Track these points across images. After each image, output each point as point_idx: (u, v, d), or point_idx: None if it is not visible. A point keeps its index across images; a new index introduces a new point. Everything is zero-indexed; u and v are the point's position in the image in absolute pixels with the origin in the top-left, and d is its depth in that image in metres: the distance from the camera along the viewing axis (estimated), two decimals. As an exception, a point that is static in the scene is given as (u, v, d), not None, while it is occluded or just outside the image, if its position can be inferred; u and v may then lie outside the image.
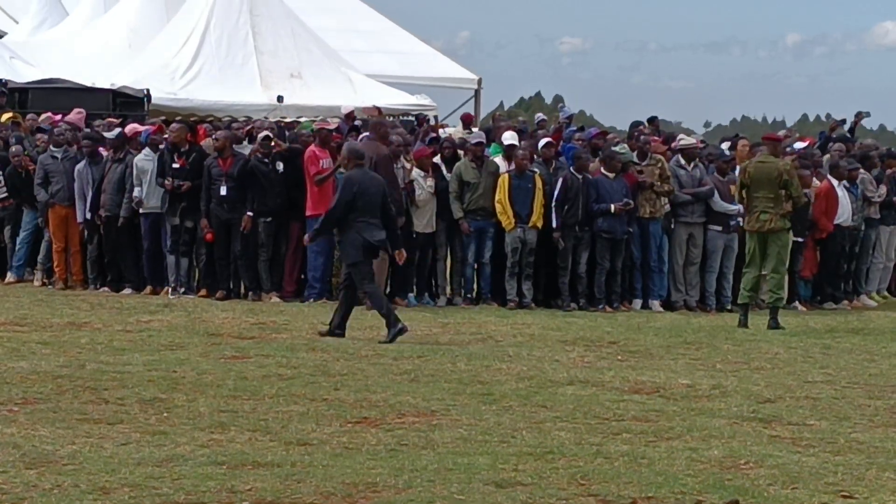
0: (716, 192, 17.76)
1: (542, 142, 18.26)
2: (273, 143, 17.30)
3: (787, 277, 17.16)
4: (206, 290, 17.26)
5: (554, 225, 17.16)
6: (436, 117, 28.68)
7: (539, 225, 17.23)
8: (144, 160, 17.51)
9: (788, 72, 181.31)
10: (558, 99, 69.95)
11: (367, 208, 13.64)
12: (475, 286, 17.75)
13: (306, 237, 14.94)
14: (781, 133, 21.02)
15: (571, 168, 17.49)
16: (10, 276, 18.72)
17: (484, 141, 18.13)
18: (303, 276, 17.38)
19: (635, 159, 17.85)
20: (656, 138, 19.62)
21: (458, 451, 8.34)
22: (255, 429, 8.91)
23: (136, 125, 19.06)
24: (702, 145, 19.74)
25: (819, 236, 18.50)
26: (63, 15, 32.13)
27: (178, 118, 20.50)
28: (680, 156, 18.19)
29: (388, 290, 16.99)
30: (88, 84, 25.51)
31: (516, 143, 17.78)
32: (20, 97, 24.52)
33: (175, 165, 17.13)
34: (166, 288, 17.43)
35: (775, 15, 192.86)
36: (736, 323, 15.85)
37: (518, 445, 8.58)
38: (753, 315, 15.97)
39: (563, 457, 8.26)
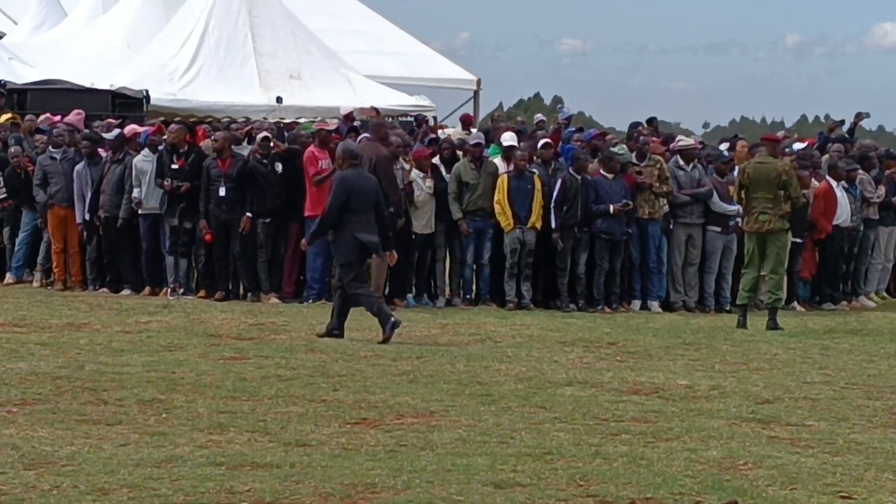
0: (714, 192, 17.77)
1: (541, 142, 18.26)
2: (272, 144, 17.30)
3: (785, 278, 17.16)
4: (205, 291, 17.26)
5: (553, 226, 17.17)
6: (435, 118, 28.68)
7: (538, 226, 17.23)
8: (143, 161, 17.51)
9: (787, 73, 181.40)
10: (557, 100, 69.94)
11: (361, 208, 13.63)
12: (474, 287, 17.75)
13: (304, 241, 14.92)
14: (780, 134, 21.01)
15: (570, 169, 17.49)
16: (8, 277, 18.73)
17: (483, 142, 18.14)
18: (302, 277, 17.38)
19: (634, 160, 17.86)
20: (655, 139, 19.63)
21: (457, 452, 8.34)
22: (253, 430, 8.91)
23: (135, 126, 19.06)
24: (700, 146, 19.75)
25: (818, 237, 18.51)
26: (62, 16, 32.13)
27: (177, 119, 20.49)
28: (679, 157, 18.20)
29: (387, 291, 17.00)
30: (87, 85, 25.50)
31: (515, 144, 17.78)
32: (19, 98, 24.51)
33: (174, 166, 17.13)
34: (165, 289, 17.43)
35: (774, 16, 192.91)
36: (735, 324, 15.86)
37: (517, 446, 8.58)
38: (752, 316, 15.98)
39: (562, 457, 8.26)
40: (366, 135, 17.95)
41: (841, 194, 18.59)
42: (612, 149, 18.14)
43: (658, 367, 12.31)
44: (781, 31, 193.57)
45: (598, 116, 76.79)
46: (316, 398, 10.11)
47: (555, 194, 17.16)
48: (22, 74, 26.69)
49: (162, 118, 21.23)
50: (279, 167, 17.15)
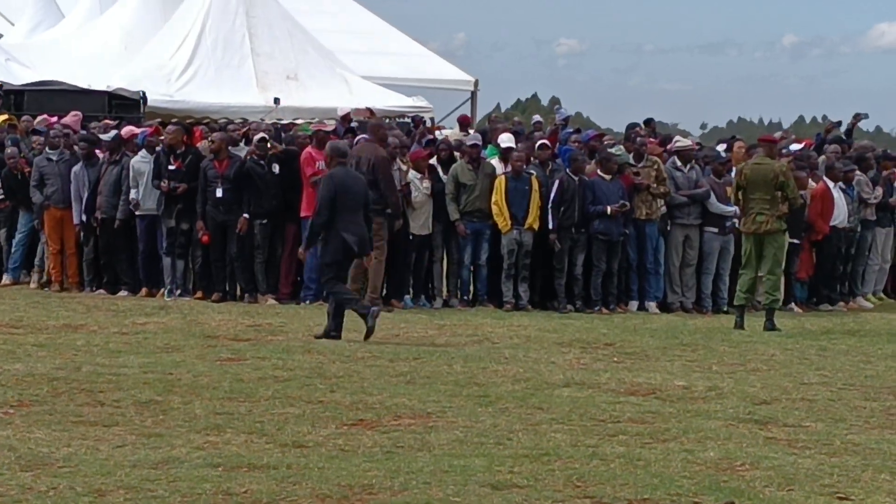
0: (712, 193, 17.77)
1: (538, 143, 18.26)
2: (269, 145, 17.29)
3: (783, 279, 17.16)
4: (202, 292, 17.25)
5: (550, 227, 17.16)
6: (432, 119, 28.74)
7: (535, 227, 17.23)
8: (141, 162, 17.50)
9: (785, 73, 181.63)
10: (555, 101, 70.06)
11: (349, 207, 13.61)
12: (471, 288, 17.75)
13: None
14: (777, 135, 21.01)
15: (568, 170, 17.49)
16: (5, 279, 18.71)
17: (480, 143, 18.12)
18: (299, 278, 17.37)
19: (631, 161, 17.86)
20: (652, 140, 19.63)
21: (455, 453, 8.34)
22: (250, 431, 8.91)
23: (132, 127, 19.05)
24: (697, 147, 19.76)
25: (815, 238, 18.51)
26: (59, 17, 32.17)
27: (174, 120, 20.49)
28: (676, 157, 18.20)
29: (384, 292, 16.99)
30: (84, 86, 25.52)
31: (513, 145, 17.78)
32: (16, 99, 24.53)
33: (171, 167, 17.12)
34: (162, 290, 17.42)
35: (772, 17, 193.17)
36: (732, 324, 15.86)
37: (514, 447, 8.58)
38: (749, 316, 15.99)
39: (560, 459, 8.26)
40: (364, 136, 17.94)
41: (838, 195, 18.59)
42: (609, 150, 18.14)
43: (655, 368, 12.31)
44: (778, 32, 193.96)
45: (595, 117, 76.92)
46: (313, 399, 10.10)
47: (552, 195, 17.16)
48: (19, 75, 26.73)
49: (159, 119, 21.25)
50: (276, 168, 17.14)
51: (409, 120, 26.61)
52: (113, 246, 17.76)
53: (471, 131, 21.94)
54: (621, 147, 18.48)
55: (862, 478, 8.00)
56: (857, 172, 19.10)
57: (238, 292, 17.32)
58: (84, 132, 19.39)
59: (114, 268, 17.86)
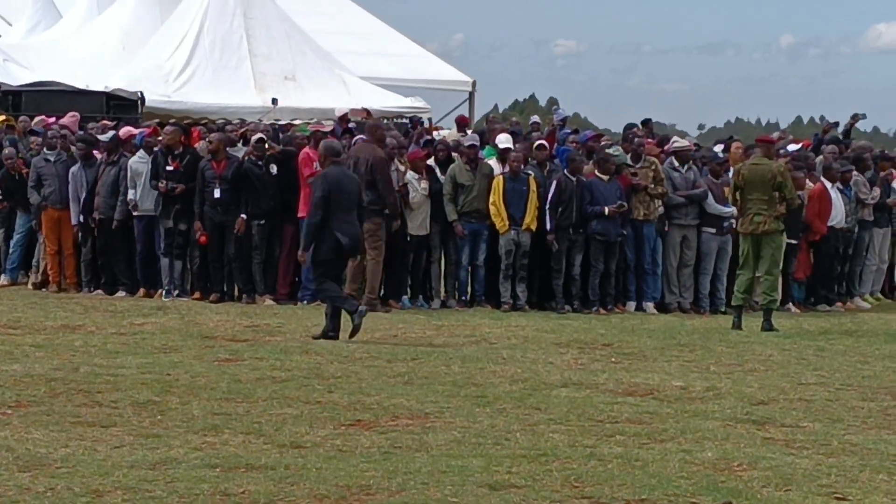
0: (709, 194, 17.77)
1: (536, 144, 18.26)
2: (266, 146, 17.29)
3: (780, 279, 17.18)
4: (200, 293, 17.25)
5: (548, 227, 17.17)
6: (430, 119, 28.72)
7: (533, 227, 17.23)
8: (139, 162, 17.49)
9: (783, 74, 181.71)
10: (553, 101, 70.06)
11: (343, 206, 13.61)
12: (469, 288, 17.75)
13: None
14: (775, 135, 21.02)
15: (565, 170, 17.49)
16: (3, 279, 18.71)
17: (478, 143, 18.12)
18: (297, 279, 17.37)
19: (629, 162, 17.86)
20: (650, 140, 19.63)
21: (452, 454, 8.34)
22: (248, 431, 8.91)
23: (130, 128, 19.04)
24: (695, 148, 19.76)
25: (812, 238, 18.51)
26: (57, 17, 32.14)
27: (171, 121, 20.49)
28: (674, 158, 18.20)
29: (382, 292, 16.99)
30: (82, 87, 25.51)
31: (511, 145, 17.77)
32: (14, 100, 24.51)
33: (169, 168, 17.12)
34: (160, 290, 17.42)
35: (770, 17, 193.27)
36: (730, 325, 15.86)
37: (512, 448, 8.58)
38: (747, 317, 15.99)
39: (557, 459, 8.26)
40: (361, 136, 17.95)
41: (835, 196, 18.60)
42: (607, 150, 18.14)
43: (653, 369, 12.32)
44: (776, 32, 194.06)
45: (593, 118, 76.93)
46: (311, 400, 10.10)
47: (550, 196, 17.16)
48: (17, 76, 26.71)
49: (157, 120, 21.24)
50: (274, 169, 17.14)
51: (406, 120, 26.60)
52: (111, 246, 17.76)
53: (468, 132, 21.93)
54: (619, 147, 18.49)
55: (859, 478, 8.00)
56: (855, 173, 19.10)
57: (236, 293, 17.32)
58: (82, 133, 19.38)
59: (112, 268, 17.86)
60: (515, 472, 7.88)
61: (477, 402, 10.19)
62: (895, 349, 14.32)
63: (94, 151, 18.09)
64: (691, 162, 18.26)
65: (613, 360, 12.91)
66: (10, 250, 18.78)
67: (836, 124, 22.01)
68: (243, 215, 16.92)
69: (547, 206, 17.16)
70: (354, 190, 13.92)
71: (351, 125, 21.47)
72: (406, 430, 9.06)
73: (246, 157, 17.26)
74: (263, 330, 14.42)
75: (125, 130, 18.61)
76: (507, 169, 17.39)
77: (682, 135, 29.92)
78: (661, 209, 17.81)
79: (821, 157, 19.58)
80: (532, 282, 17.49)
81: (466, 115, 29.39)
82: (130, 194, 17.36)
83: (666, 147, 18.91)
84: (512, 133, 19.28)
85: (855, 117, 21.80)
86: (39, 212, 18.17)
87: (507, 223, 17.15)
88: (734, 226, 17.02)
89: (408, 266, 17.36)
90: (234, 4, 27.81)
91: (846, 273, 19.32)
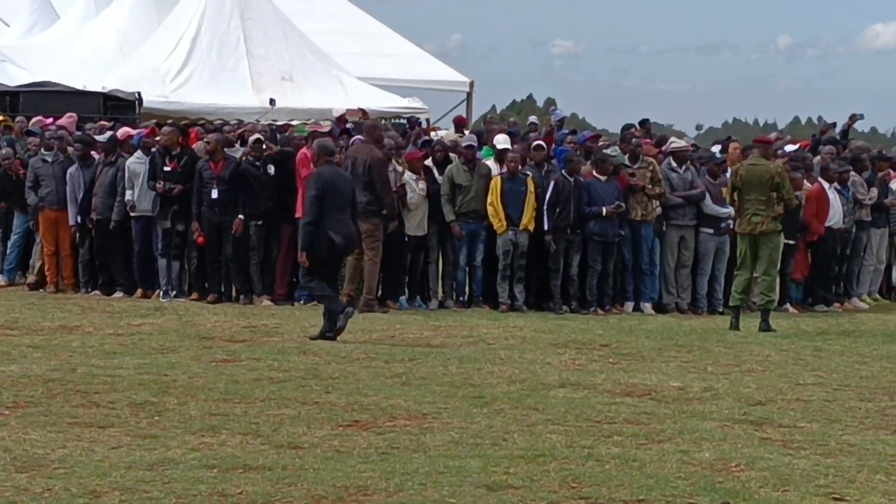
0: (707, 195, 17.77)
1: (533, 144, 18.27)
2: (264, 147, 17.29)
3: (778, 280, 17.18)
4: (198, 294, 17.25)
5: (545, 228, 17.17)
6: (427, 120, 28.72)
7: (531, 228, 17.23)
8: (136, 163, 17.49)
9: (780, 74, 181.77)
10: (550, 102, 70.11)
11: (336, 205, 13.61)
12: (467, 289, 17.74)
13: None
14: (772, 136, 21.03)
15: (563, 171, 17.49)
16: (0, 280, 18.70)
17: (475, 144, 18.12)
18: (294, 280, 17.36)
19: (627, 162, 17.86)
20: (648, 141, 19.63)
21: (450, 454, 8.34)
22: (246, 432, 8.91)
23: (128, 129, 19.05)
24: (693, 148, 19.76)
25: (810, 239, 18.52)
26: (54, 18, 32.15)
27: (169, 121, 20.49)
28: (671, 158, 18.20)
29: (379, 293, 16.98)
30: (79, 87, 25.51)
31: (509, 146, 17.77)
32: (11, 101, 24.53)
33: (166, 168, 17.12)
34: (157, 291, 17.41)
35: (767, 18, 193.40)
36: (727, 325, 15.86)
37: (509, 448, 8.58)
38: (745, 317, 15.99)
39: (555, 459, 8.26)
40: (359, 137, 17.95)
41: (833, 196, 18.60)
42: (604, 151, 18.15)
43: (650, 369, 12.32)
44: (774, 33, 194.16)
45: (591, 118, 76.93)
46: (308, 400, 10.10)
47: (547, 196, 17.16)
48: (14, 76, 26.73)
49: (154, 121, 21.23)
50: (271, 169, 17.14)
51: (404, 121, 26.60)
52: (108, 247, 17.76)
53: (466, 132, 21.94)
54: (617, 148, 18.50)
55: (857, 478, 8.00)
56: (853, 173, 19.11)
57: (233, 293, 17.32)
58: (79, 133, 19.38)
59: (109, 269, 17.85)
60: (513, 472, 7.88)
61: (474, 402, 10.19)
62: (893, 349, 14.32)
63: (92, 152, 18.08)
64: (689, 162, 18.26)
65: (611, 360, 12.91)
66: (8, 251, 18.78)
67: (834, 125, 22.02)
68: (241, 216, 16.92)
69: (545, 207, 17.16)
70: (348, 189, 13.93)
71: (348, 125, 21.49)
72: (404, 431, 9.06)
73: (243, 158, 17.26)
74: (261, 330, 14.41)
75: (123, 131, 18.61)
76: (504, 169, 17.39)
77: (680, 135, 29.96)
78: (659, 210, 17.82)
79: (818, 157, 19.58)
80: (530, 282, 17.49)
81: (464, 115, 29.40)
82: (128, 195, 17.36)
83: (664, 147, 18.91)
84: (510, 133, 19.27)
85: (853, 118, 21.80)
86: (36, 212, 18.17)
87: (504, 224, 17.15)
88: (732, 226, 17.02)
89: (405, 266, 17.36)
90: (232, 5, 27.82)
91: (844, 273, 19.32)
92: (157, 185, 17.07)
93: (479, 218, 17.31)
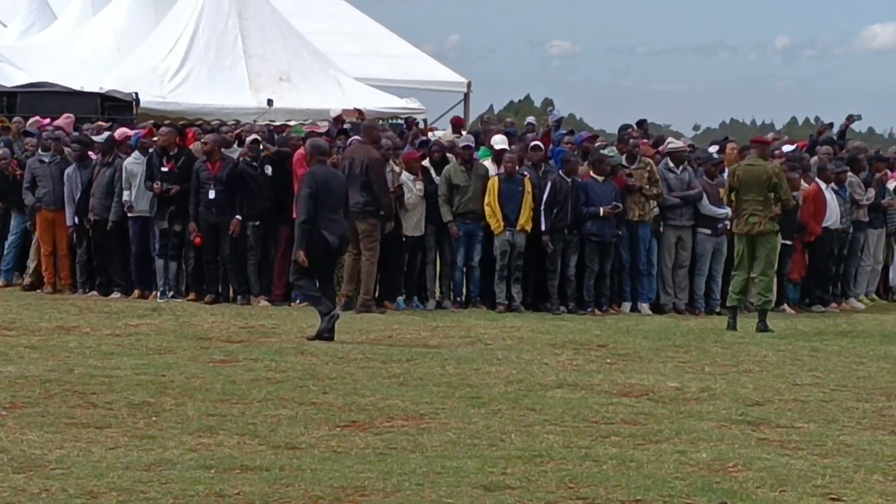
0: (704, 195, 17.77)
1: (531, 145, 18.27)
2: (261, 147, 17.29)
3: (775, 280, 17.18)
4: (195, 294, 17.24)
5: (543, 228, 17.17)
6: (425, 120, 28.70)
7: (528, 228, 17.23)
8: (134, 163, 17.48)
9: (778, 75, 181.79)
10: (548, 102, 70.08)
11: (330, 205, 13.61)
12: (464, 289, 17.75)
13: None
14: (770, 136, 21.03)
15: (560, 171, 17.49)
16: (-2, 281, 18.71)
17: (472, 144, 18.13)
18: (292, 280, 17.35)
19: (624, 162, 17.86)
20: (645, 141, 19.64)
21: (447, 455, 8.34)
22: (243, 433, 8.90)
23: (126, 129, 19.04)
24: (690, 148, 19.77)
25: (807, 239, 18.52)
26: (51, 19, 32.12)
27: (166, 122, 20.48)
28: (669, 159, 18.20)
29: (377, 293, 16.98)
30: (77, 88, 25.50)
31: (506, 146, 17.78)
32: (8, 101, 24.53)
33: (164, 169, 17.11)
34: (155, 292, 17.41)
35: (765, 18, 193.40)
36: (724, 326, 15.87)
37: (507, 449, 8.58)
38: (742, 318, 15.99)
39: (552, 460, 8.26)
40: (356, 137, 17.95)
41: (830, 196, 18.61)
42: (601, 151, 18.15)
43: (648, 370, 12.32)
44: (771, 34, 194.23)
45: (588, 118, 76.94)
46: (306, 401, 10.10)
47: (545, 197, 17.16)
48: (11, 77, 26.71)
49: (152, 121, 21.22)
50: (269, 170, 17.14)
51: (401, 121, 26.59)
52: (106, 248, 17.75)
53: (464, 133, 21.94)
54: (614, 148, 18.50)
55: (854, 479, 8.00)
56: (850, 174, 19.11)
57: (231, 294, 17.32)
58: (77, 134, 19.37)
59: (106, 270, 17.85)
60: (510, 472, 7.88)
61: (472, 403, 10.19)
62: (890, 350, 14.33)
63: (89, 153, 18.07)
64: (686, 163, 18.26)
65: (608, 360, 12.91)
66: (5, 252, 18.77)
67: (831, 125, 22.02)
68: (238, 216, 16.92)
69: (542, 207, 17.16)
70: (341, 189, 13.94)
71: (346, 126, 21.47)
72: (401, 431, 9.06)
73: (241, 159, 17.25)
74: (258, 331, 14.41)
75: (121, 132, 18.59)
76: (502, 170, 17.39)
77: (678, 136, 29.95)
78: (656, 210, 17.82)
79: (815, 157, 19.58)
80: (527, 283, 17.49)
81: (461, 116, 29.42)
82: (125, 195, 17.35)
83: (661, 148, 18.92)
84: (507, 134, 19.27)
85: (850, 118, 21.80)
86: (34, 213, 18.16)
87: (501, 224, 17.15)
88: (729, 227, 17.02)
89: (403, 267, 17.35)
90: (229, 5, 27.79)
91: (841, 274, 19.33)
92: (155, 185, 17.06)
93: (476, 218, 17.31)
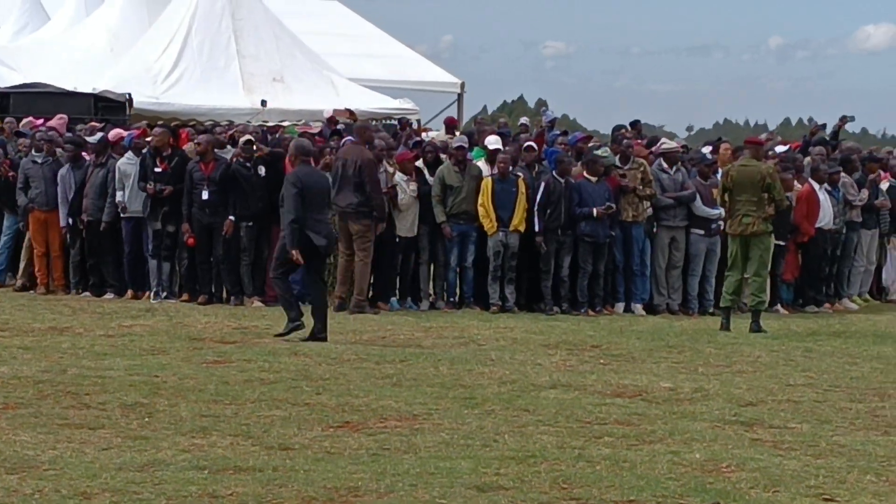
0: (697, 196, 17.78)
1: (524, 145, 18.27)
2: (255, 148, 17.28)
3: (768, 281, 17.20)
4: (188, 295, 17.22)
5: (536, 229, 17.17)
6: (418, 121, 28.69)
7: (521, 229, 17.23)
8: (127, 164, 17.46)
9: (771, 76, 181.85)
10: (542, 103, 70.06)
11: (314, 205, 13.63)
12: (458, 290, 17.74)
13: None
14: (763, 137, 21.04)
15: (554, 172, 17.50)
16: (-9, 281, 18.68)
17: (466, 145, 18.13)
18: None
19: (618, 163, 17.87)
20: (639, 142, 19.65)
21: (440, 456, 8.34)
22: (236, 433, 8.90)
23: (120, 130, 19.01)
24: (683, 149, 19.77)
25: (801, 240, 18.53)
26: (45, 19, 32.06)
27: (160, 122, 20.46)
28: (662, 160, 18.21)
29: (370, 294, 16.98)
30: (70, 88, 25.46)
31: (500, 147, 17.77)
32: (1, 102, 24.47)
33: (157, 170, 17.10)
34: (148, 292, 17.39)
35: (758, 19, 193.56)
36: (718, 326, 15.87)
37: (500, 449, 8.58)
38: (735, 318, 16.00)
39: (546, 461, 8.26)
40: (350, 137, 17.94)
41: (823, 197, 18.62)
42: (595, 152, 18.15)
43: (641, 370, 12.33)
44: (765, 34, 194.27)
45: (582, 119, 76.97)
46: (299, 402, 10.10)
47: (538, 197, 17.16)
48: (4, 78, 26.64)
49: (145, 122, 21.20)
50: (262, 170, 17.12)
51: (395, 122, 26.59)
52: (99, 248, 17.73)
53: (457, 133, 21.94)
54: (607, 149, 18.50)
55: (847, 479, 8.01)
56: (843, 174, 19.12)
57: (224, 295, 17.31)
58: (70, 134, 19.34)
59: (100, 270, 17.83)
60: (504, 473, 7.89)
61: (465, 403, 10.19)
62: (883, 350, 14.35)
63: (83, 153, 18.05)
64: (680, 163, 18.27)
65: (602, 361, 12.92)
66: (-2, 252, 18.74)
67: (824, 126, 22.04)
68: (231, 217, 16.91)
69: (535, 208, 17.16)
70: (325, 189, 14.00)
71: (339, 126, 21.46)
72: (394, 432, 9.06)
73: (234, 159, 17.24)
74: (252, 332, 14.41)
75: (115, 133, 18.57)
76: (495, 170, 17.39)
77: (671, 136, 29.95)
78: (650, 211, 17.83)
79: (809, 158, 19.60)
80: (520, 283, 17.49)
81: (455, 116, 29.39)
82: (119, 196, 17.33)
83: (654, 148, 18.93)
84: (500, 135, 19.27)
85: (843, 119, 21.83)
86: (26, 214, 18.13)
87: (495, 225, 17.15)
88: (722, 227, 17.03)
89: (396, 267, 17.36)
90: (223, 6, 27.75)
91: (834, 274, 19.34)
92: (148, 186, 17.05)
93: (469, 219, 17.31)
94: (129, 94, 24.98)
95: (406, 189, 17.19)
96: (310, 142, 15.60)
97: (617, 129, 21.54)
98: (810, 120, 49.35)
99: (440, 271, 17.64)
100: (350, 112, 23.93)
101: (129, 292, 17.53)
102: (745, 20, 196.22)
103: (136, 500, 7.15)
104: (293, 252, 13.63)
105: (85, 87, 25.61)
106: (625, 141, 18.71)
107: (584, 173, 17.55)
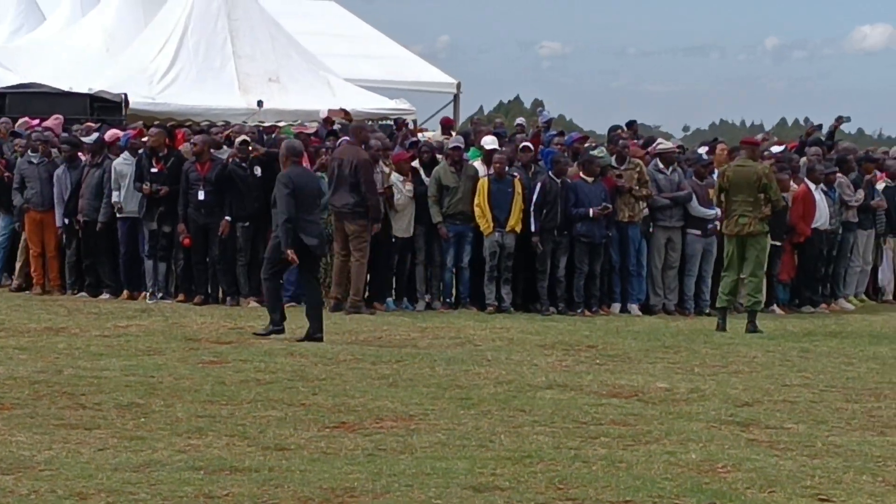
0: (693, 196, 17.78)
1: (521, 146, 18.27)
2: (250, 148, 17.28)
3: (765, 281, 17.19)
4: (184, 295, 17.22)
5: (532, 229, 17.17)
6: (415, 121, 28.68)
7: (518, 229, 17.23)
8: (123, 164, 17.46)
9: (767, 76, 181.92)
10: (538, 103, 70.03)
11: (306, 206, 13.63)
12: (454, 290, 17.74)
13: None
14: (759, 137, 21.05)
15: (550, 172, 17.50)
16: (-13, 281, 18.67)
17: (462, 145, 18.13)
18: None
19: (614, 163, 17.87)
20: (635, 142, 19.66)
21: (436, 456, 8.34)
22: (232, 434, 8.89)
23: (115, 131, 19.01)
24: (680, 150, 19.78)
25: (797, 240, 18.54)
26: (40, 19, 32.06)
27: (156, 123, 20.45)
28: (658, 160, 18.21)
29: (366, 294, 16.97)
30: (66, 89, 25.45)
31: (496, 147, 17.77)
32: (-3, 102, 24.46)
33: (153, 170, 17.10)
34: (144, 293, 17.38)
35: (754, 19, 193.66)
36: (714, 326, 15.88)
37: (496, 450, 8.58)
38: (731, 319, 16.00)
39: (542, 461, 8.26)
40: (346, 138, 17.94)
41: (819, 197, 18.63)
42: (591, 152, 18.16)
43: (637, 370, 12.32)
44: (761, 35, 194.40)
45: (578, 119, 76.98)
46: (295, 402, 10.09)
47: (534, 197, 17.16)
48: (0, 78, 26.62)
49: (141, 122, 21.19)
50: (258, 171, 17.12)
51: (391, 122, 26.59)
52: (95, 249, 17.73)
53: (453, 134, 21.93)
54: (604, 149, 18.51)
55: (843, 479, 8.01)
56: (839, 175, 19.13)
57: (220, 295, 17.30)
58: (66, 135, 19.33)
59: (96, 271, 17.82)
60: (500, 473, 7.88)
61: (461, 404, 10.19)
62: (879, 351, 14.35)
63: (79, 153, 18.04)
64: (676, 164, 18.28)
65: (598, 361, 12.92)
66: (-6, 253, 18.73)
67: (820, 126, 22.04)
68: (227, 217, 16.91)
69: (532, 208, 17.16)
70: (317, 189, 14.01)
71: (335, 127, 21.46)
72: (390, 432, 9.06)
73: (230, 160, 17.24)
74: (248, 332, 14.39)
75: (111, 134, 18.57)
76: (491, 171, 17.39)
77: (667, 137, 30.00)
78: (646, 211, 17.83)
79: (805, 158, 19.60)
80: (517, 284, 17.49)
81: (451, 116, 29.41)
82: (115, 196, 17.33)
83: (651, 149, 18.93)
84: (497, 135, 19.27)
85: (839, 120, 21.82)
86: (22, 214, 18.12)
87: (491, 225, 17.15)
88: (719, 227, 17.04)
89: (392, 268, 17.36)
90: (219, 6, 27.75)
91: (830, 275, 19.35)
92: (144, 186, 17.05)
93: (466, 219, 17.31)
94: (125, 95, 24.97)
95: (402, 189, 17.18)
96: (301, 142, 15.62)
97: (613, 129, 21.53)
98: (807, 120, 49.39)
99: (436, 272, 17.64)
100: (346, 112, 23.93)
101: (125, 293, 17.53)
102: (742, 21, 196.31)
103: (132, 501, 7.14)
104: (288, 252, 13.61)
105: (81, 88, 25.61)
106: (621, 141, 18.72)
107: (581, 174, 17.55)
